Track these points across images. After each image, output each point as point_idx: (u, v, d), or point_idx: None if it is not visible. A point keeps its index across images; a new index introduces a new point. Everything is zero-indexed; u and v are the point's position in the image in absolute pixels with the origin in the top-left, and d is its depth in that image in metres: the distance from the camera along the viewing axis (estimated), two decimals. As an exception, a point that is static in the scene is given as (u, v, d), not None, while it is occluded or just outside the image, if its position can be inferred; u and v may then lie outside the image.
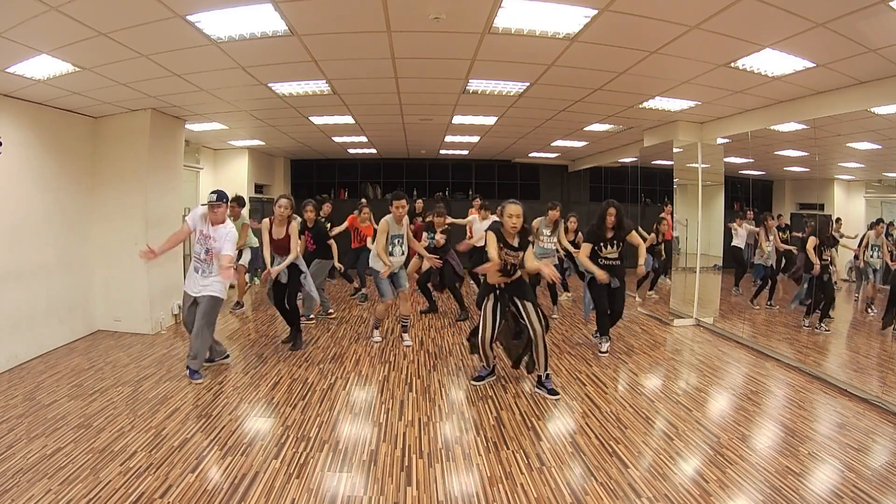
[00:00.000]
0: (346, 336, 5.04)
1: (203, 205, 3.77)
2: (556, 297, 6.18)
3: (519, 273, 3.53)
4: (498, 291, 3.56)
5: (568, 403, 3.37)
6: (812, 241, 5.02)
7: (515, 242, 3.48)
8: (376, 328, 4.96)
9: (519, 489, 2.36)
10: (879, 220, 5.15)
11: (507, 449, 2.74)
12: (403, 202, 4.47)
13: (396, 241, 4.58)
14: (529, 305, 3.52)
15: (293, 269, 4.48)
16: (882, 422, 3.12)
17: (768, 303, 6.12)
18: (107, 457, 2.62)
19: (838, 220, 5.46)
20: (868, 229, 5.19)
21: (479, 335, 3.61)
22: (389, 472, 2.50)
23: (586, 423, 3.06)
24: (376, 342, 4.81)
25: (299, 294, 4.76)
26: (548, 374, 3.55)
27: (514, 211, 3.45)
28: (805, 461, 2.61)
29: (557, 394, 3.50)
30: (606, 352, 4.48)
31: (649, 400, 3.45)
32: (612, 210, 4.28)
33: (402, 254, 4.65)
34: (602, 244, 4.36)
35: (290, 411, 3.22)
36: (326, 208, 6.27)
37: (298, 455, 2.65)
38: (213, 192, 3.73)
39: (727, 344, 4.90)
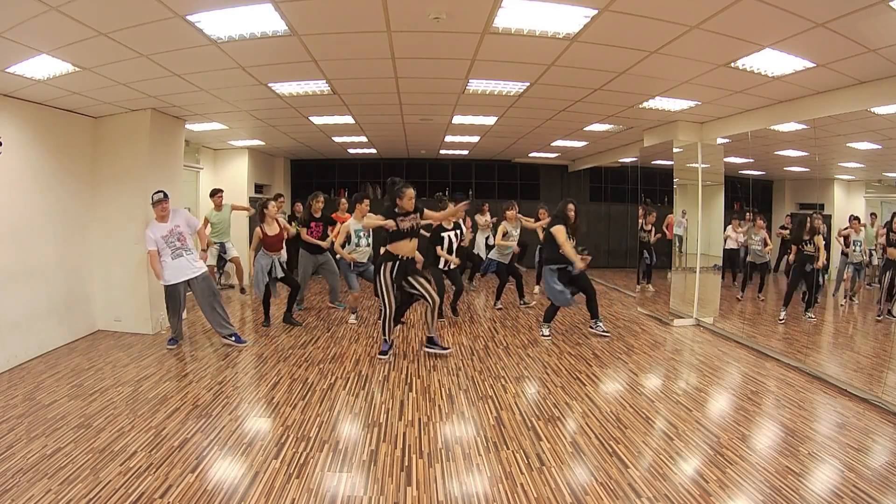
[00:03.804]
0: (346, 336, 5.04)
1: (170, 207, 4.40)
2: (522, 288, 6.50)
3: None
4: (396, 267, 4.13)
5: (568, 403, 3.37)
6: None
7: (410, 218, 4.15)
8: (353, 313, 5.64)
9: (519, 489, 2.36)
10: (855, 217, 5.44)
11: (507, 449, 2.74)
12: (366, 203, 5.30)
13: (362, 233, 5.30)
14: (421, 279, 4.23)
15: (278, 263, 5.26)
16: (882, 422, 3.12)
17: (759, 295, 6.47)
18: (107, 457, 2.62)
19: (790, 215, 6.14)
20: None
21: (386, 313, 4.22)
22: (389, 472, 2.50)
23: (586, 423, 3.06)
24: (353, 323, 5.49)
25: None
26: (438, 335, 4.40)
27: (410, 194, 4.10)
28: (805, 461, 2.61)
29: (447, 348, 4.40)
30: (549, 336, 5.00)
31: (649, 400, 3.45)
32: (571, 206, 4.94)
33: (368, 245, 5.36)
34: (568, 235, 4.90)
35: (290, 411, 3.22)
36: (297, 207, 6.73)
37: (298, 455, 2.65)
38: (158, 192, 4.38)
39: (727, 344, 4.90)
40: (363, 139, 7.66)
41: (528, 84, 4.43)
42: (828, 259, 5.42)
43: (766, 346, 4.65)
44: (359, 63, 3.88)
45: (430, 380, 3.81)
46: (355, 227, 5.22)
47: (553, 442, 2.82)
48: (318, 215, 5.64)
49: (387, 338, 4.30)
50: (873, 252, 5.36)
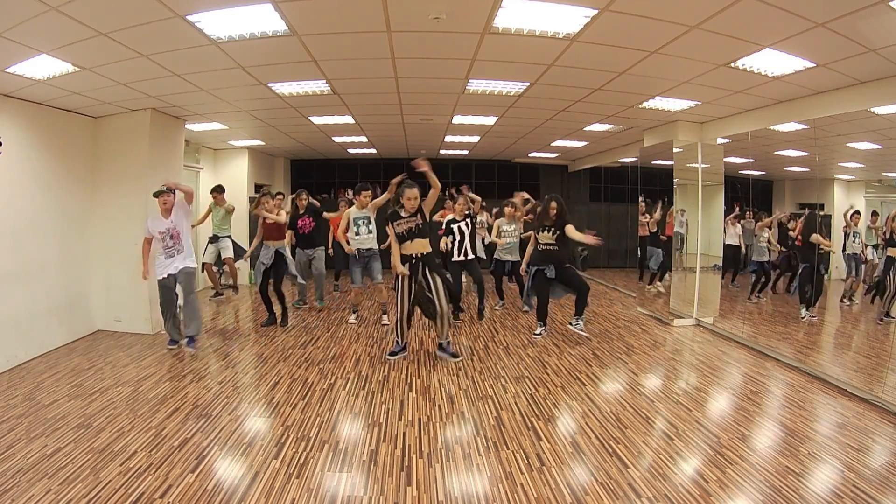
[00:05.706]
0: (346, 336, 5.04)
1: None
2: (523, 287, 6.29)
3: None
4: (412, 263, 4.08)
5: (568, 403, 3.37)
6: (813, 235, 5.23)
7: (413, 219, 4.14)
8: (354, 312, 5.59)
9: (519, 489, 2.36)
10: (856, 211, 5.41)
11: (507, 449, 2.74)
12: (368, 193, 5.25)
13: (361, 221, 5.18)
14: (439, 280, 4.10)
15: (278, 255, 5.28)
16: (882, 422, 3.11)
17: (757, 294, 6.47)
18: (107, 457, 2.62)
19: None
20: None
21: (398, 312, 4.14)
22: (389, 472, 2.50)
23: (586, 423, 3.06)
24: (352, 324, 5.45)
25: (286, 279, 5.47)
26: (448, 341, 4.25)
27: (411, 194, 4.13)
28: (805, 461, 2.61)
29: (459, 357, 4.22)
30: (540, 334, 4.93)
31: (649, 400, 3.45)
32: (553, 204, 4.81)
33: (369, 233, 5.21)
34: (540, 230, 4.83)
35: (290, 411, 3.22)
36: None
37: (298, 455, 2.65)
38: (164, 186, 4.38)
39: (727, 344, 4.90)
40: (363, 139, 7.66)
41: (528, 84, 4.43)
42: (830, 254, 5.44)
43: (765, 346, 4.65)
44: (359, 63, 3.88)
45: (430, 380, 3.80)
46: (355, 215, 5.20)
47: (553, 442, 2.82)
48: (302, 211, 5.65)
49: (399, 339, 4.22)
50: (874, 250, 5.34)
